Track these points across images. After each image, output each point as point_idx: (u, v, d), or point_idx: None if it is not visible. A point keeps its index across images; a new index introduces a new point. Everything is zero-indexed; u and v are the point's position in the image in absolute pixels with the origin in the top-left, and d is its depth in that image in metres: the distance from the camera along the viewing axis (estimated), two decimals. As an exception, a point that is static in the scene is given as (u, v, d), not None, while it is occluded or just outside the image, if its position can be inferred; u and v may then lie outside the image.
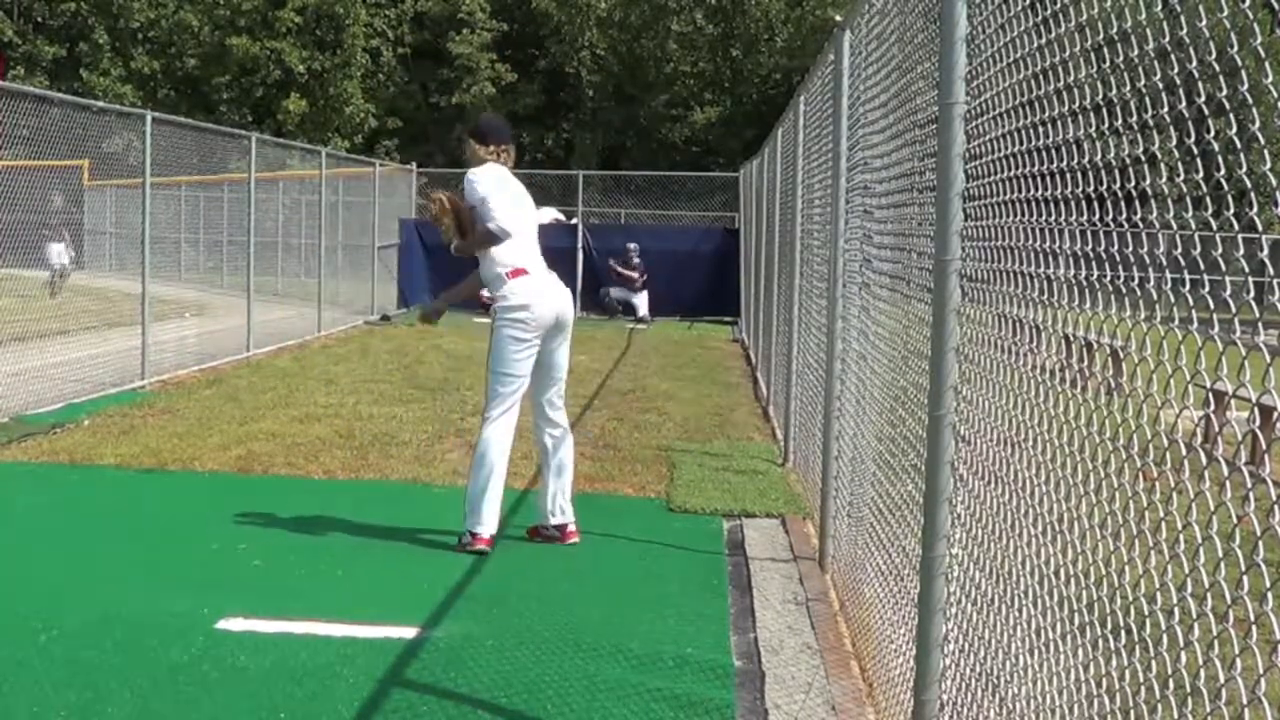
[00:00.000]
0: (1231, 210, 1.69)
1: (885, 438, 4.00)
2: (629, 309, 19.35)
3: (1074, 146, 2.24)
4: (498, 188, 5.39)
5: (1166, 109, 1.89)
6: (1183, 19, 1.81)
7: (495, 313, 5.37)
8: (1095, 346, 2.33)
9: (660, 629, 4.45)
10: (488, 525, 5.33)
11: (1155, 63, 1.91)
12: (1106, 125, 2.10)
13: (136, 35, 38.11)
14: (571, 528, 5.60)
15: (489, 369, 5.41)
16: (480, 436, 5.40)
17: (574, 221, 21.50)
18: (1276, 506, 1.58)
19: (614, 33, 39.73)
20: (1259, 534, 1.63)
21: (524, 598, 4.76)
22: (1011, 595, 2.54)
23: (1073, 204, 2.24)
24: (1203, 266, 1.79)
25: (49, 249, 16.03)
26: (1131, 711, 1.96)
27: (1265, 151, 1.65)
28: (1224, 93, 1.72)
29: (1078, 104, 2.23)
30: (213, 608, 4.49)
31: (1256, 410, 1.81)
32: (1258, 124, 1.64)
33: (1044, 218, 2.38)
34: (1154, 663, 1.91)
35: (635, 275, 19.43)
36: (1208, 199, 1.75)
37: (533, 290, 5.35)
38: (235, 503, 6.19)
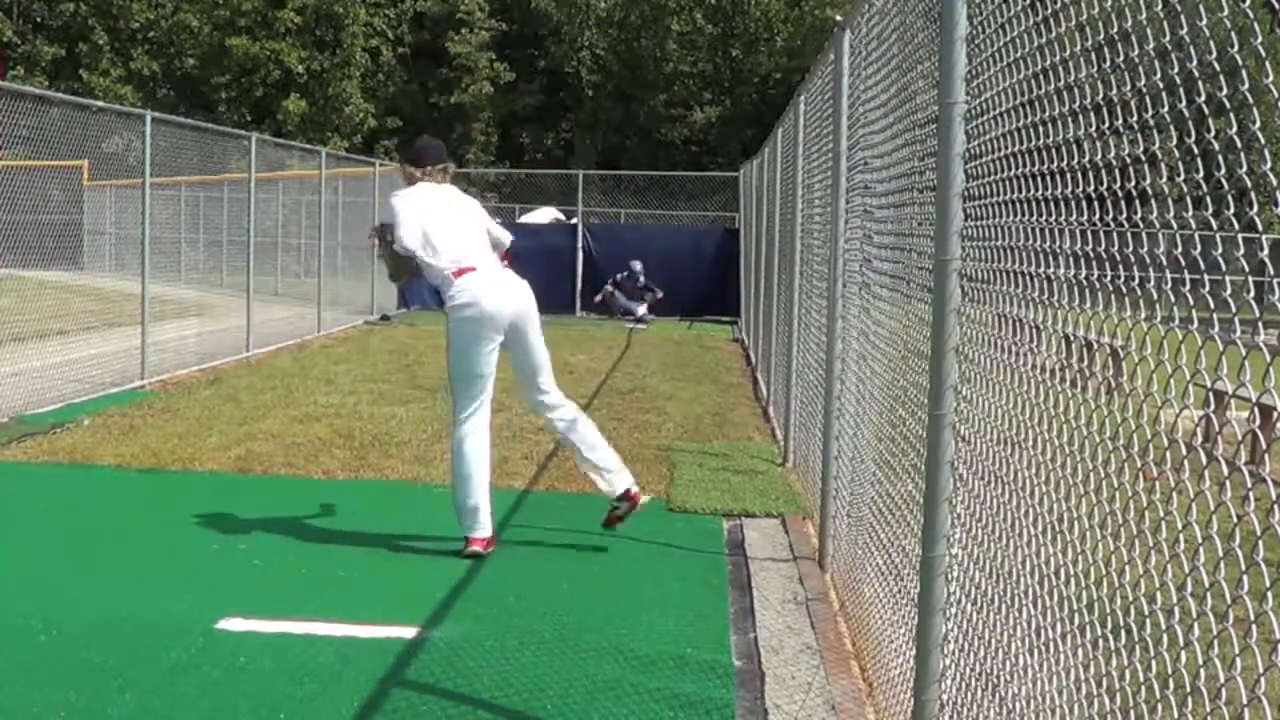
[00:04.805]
0: (1231, 210, 1.69)
1: (885, 437, 4.00)
2: (629, 310, 19.34)
3: (1074, 146, 2.24)
4: (409, 208, 5.44)
5: (1166, 109, 1.89)
6: (1183, 19, 1.81)
7: (447, 313, 5.40)
8: (1095, 346, 2.33)
9: (660, 629, 4.45)
10: (481, 527, 5.33)
11: (1155, 63, 1.91)
12: (1106, 125, 2.10)
13: (136, 35, 38.12)
14: (634, 489, 5.59)
15: (449, 371, 5.42)
16: (453, 440, 5.40)
17: (574, 221, 21.50)
18: (1276, 506, 1.58)
19: (614, 32, 39.75)
20: (1259, 534, 1.63)
21: (524, 598, 4.76)
22: (1011, 595, 2.54)
23: (1073, 204, 2.24)
24: (1203, 266, 1.79)
25: None
26: (1131, 711, 1.96)
27: (1265, 151, 1.65)
28: (1224, 93, 1.72)
29: (1078, 104, 2.23)
30: (213, 608, 4.49)
31: (1256, 410, 1.81)
32: (1258, 124, 1.63)
33: (1044, 218, 2.38)
34: (1154, 663, 1.91)
35: (645, 300, 19.34)
36: (1208, 199, 1.75)
37: (480, 285, 5.34)
38: (235, 503, 6.19)
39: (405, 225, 5.40)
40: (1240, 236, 1.68)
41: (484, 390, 5.39)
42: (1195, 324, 1.81)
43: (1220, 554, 1.71)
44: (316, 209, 16.52)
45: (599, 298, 19.61)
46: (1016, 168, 2.56)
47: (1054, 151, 2.32)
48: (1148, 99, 1.92)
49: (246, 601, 4.61)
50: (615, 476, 5.56)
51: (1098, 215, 2.14)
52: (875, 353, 4.35)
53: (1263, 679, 1.61)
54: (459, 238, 5.49)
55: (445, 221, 5.50)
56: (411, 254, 5.39)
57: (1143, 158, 1.96)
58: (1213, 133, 1.75)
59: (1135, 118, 1.98)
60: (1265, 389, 1.59)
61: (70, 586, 4.76)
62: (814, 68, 6.70)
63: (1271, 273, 1.61)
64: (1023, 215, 2.50)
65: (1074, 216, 2.24)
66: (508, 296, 5.41)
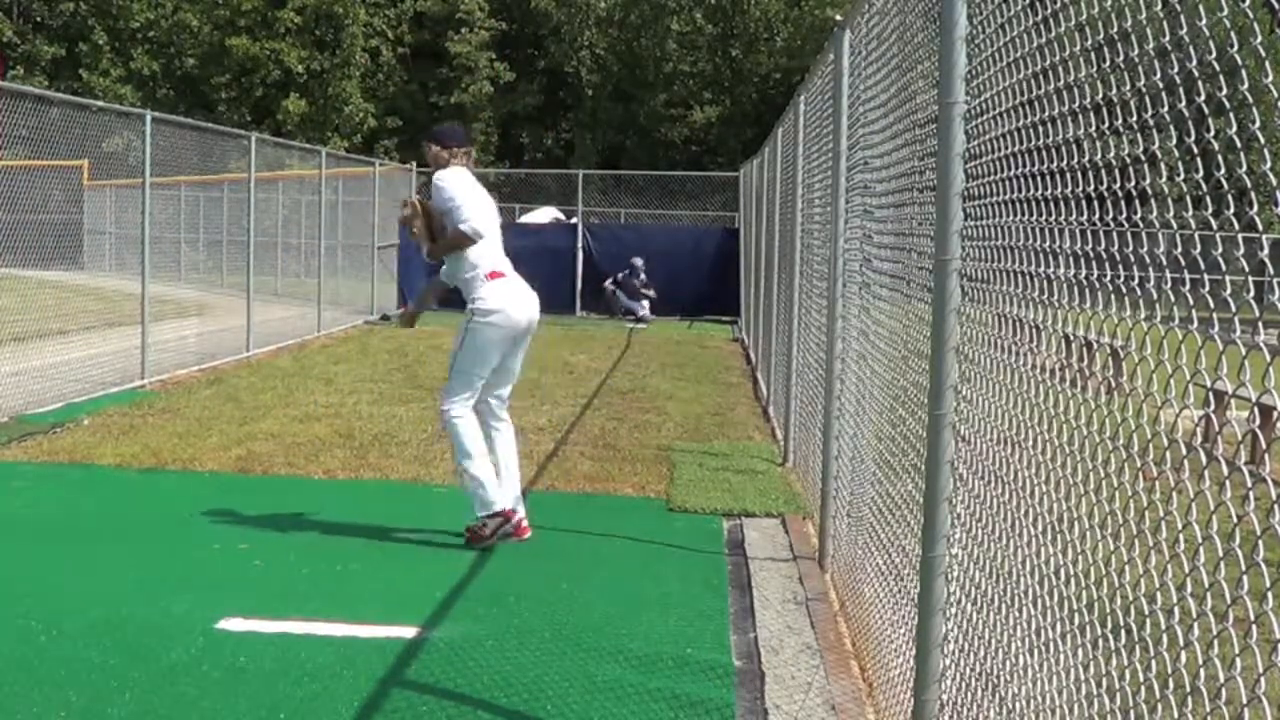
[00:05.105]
0: (1231, 210, 1.69)
1: (885, 437, 4.00)
2: (630, 310, 19.34)
3: (1074, 146, 2.24)
4: (466, 190, 5.42)
5: (1166, 109, 1.89)
6: (1183, 19, 1.81)
7: (471, 313, 5.41)
8: (1095, 346, 2.34)
9: (660, 629, 4.45)
10: (504, 499, 5.42)
11: (1155, 63, 1.91)
12: (1106, 125, 2.10)
13: (136, 35, 38.12)
14: (525, 523, 5.64)
15: (455, 365, 5.45)
16: (451, 428, 5.42)
17: (574, 221, 21.49)
18: (1276, 506, 1.58)
19: (614, 32, 39.76)
20: (1259, 534, 1.63)
21: (524, 598, 4.76)
22: (1011, 595, 2.54)
23: (1073, 204, 2.24)
24: (1203, 266, 1.79)
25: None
26: (1131, 711, 1.96)
27: (1265, 151, 1.65)
28: (1224, 93, 1.72)
29: (1078, 104, 2.23)
30: (213, 608, 4.49)
31: (1256, 410, 1.81)
32: (1258, 124, 1.63)
33: (1044, 217, 2.38)
34: (1154, 662, 1.91)
35: (644, 298, 19.34)
36: (1208, 199, 1.75)
37: (509, 293, 5.43)
38: (235, 503, 6.19)
39: (471, 207, 5.36)
40: (1240, 236, 1.68)
41: (479, 388, 5.47)
42: (1195, 324, 1.81)
43: (1220, 554, 1.71)
44: (316, 209, 16.52)
45: (606, 285, 19.63)
46: (1016, 167, 2.56)
47: (1054, 151, 2.32)
48: (1148, 99, 1.92)
49: (246, 601, 4.61)
50: (520, 502, 5.64)
51: (1098, 215, 2.14)
52: (875, 352, 4.35)
53: (1263, 679, 1.61)
54: (496, 235, 5.54)
55: (489, 213, 5.53)
56: (481, 236, 5.36)
57: (1143, 158, 1.96)
58: (1213, 133, 1.75)
59: (1135, 118, 1.98)
60: (1265, 389, 1.59)
61: (70, 586, 4.76)
62: (814, 68, 6.70)
63: (1271, 273, 1.61)
64: (1023, 215, 2.50)
65: (1074, 216, 2.24)
66: (528, 309, 5.51)
